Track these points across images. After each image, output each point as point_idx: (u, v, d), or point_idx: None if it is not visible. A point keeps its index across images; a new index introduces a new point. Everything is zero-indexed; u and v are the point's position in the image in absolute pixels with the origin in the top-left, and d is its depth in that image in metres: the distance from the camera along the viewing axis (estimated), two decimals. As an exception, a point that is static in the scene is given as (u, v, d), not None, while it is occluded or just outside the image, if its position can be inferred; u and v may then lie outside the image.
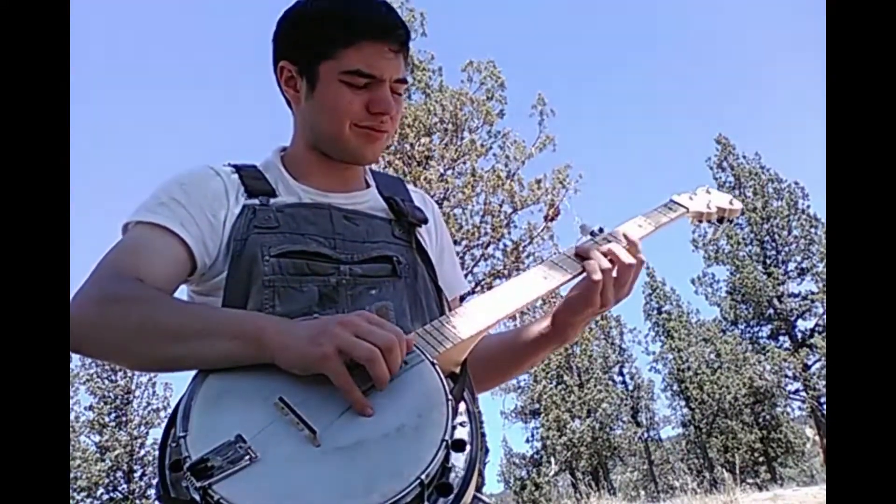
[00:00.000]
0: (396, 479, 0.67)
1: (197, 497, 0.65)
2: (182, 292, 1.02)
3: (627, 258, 1.04)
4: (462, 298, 1.25)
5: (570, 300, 1.08)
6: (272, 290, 0.94)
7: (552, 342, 1.12)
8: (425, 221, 1.15)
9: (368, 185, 1.17)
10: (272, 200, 1.03)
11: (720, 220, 1.30)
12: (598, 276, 1.02)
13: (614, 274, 1.04)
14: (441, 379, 0.79)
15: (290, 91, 1.09)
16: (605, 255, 1.04)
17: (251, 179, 1.06)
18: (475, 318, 0.94)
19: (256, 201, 1.02)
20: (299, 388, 0.77)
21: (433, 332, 0.91)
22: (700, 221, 1.29)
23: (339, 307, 0.95)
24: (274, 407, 0.75)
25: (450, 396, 0.77)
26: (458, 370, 0.91)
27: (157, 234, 0.96)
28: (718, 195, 1.31)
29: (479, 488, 0.88)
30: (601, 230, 1.12)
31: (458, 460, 0.72)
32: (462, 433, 0.75)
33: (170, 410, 0.78)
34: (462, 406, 0.78)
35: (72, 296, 0.86)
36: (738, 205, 1.31)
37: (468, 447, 0.74)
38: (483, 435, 0.78)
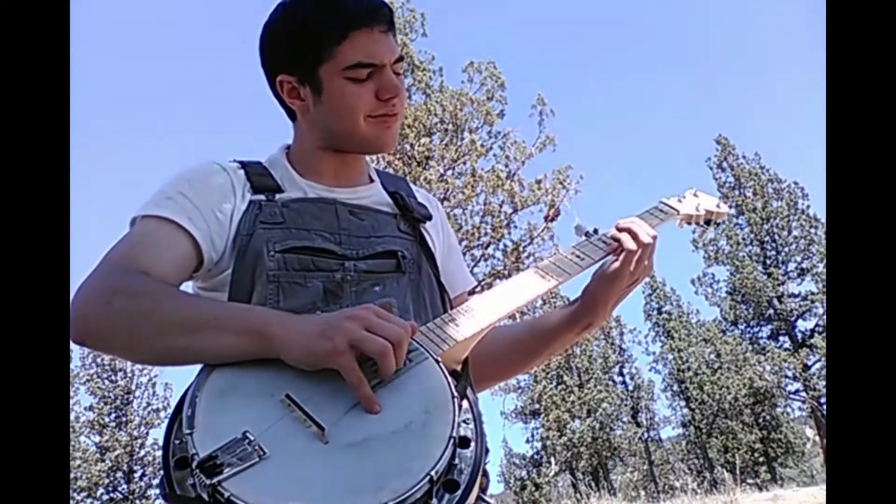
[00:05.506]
0: (406, 476, 0.67)
1: (205, 495, 0.65)
2: (188, 288, 1.02)
3: (647, 237, 1.09)
4: (471, 293, 1.24)
5: (603, 273, 1.10)
6: (276, 285, 0.93)
7: (580, 321, 1.12)
8: (429, 217, 1.15)
9: (372, 181, 1.17)
10: (278, 196, 1.03)
11: (707, 223, 1.33)
12: (633, 245, 1.07)
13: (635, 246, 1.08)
14: (446, 376, 0.80)
15: (296, 102, 1.06)
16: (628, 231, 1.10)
17: (257, 175, 1.05)
18: (477, 317, 0.95)
19: (262, 197, 1.01)
20: (305, 383, 0.76)
21: (436, 329, 0.91)
22: (688, 223, 1.32)
23: (343, 303, 0.95)
24: (280, 403, 0.74)
25: (455, 394, 0.77)
26: (459, 368, 0.90)
27: (164, 228, 0.95)
28: (706, 198, 1.34)
29: (483, 489, 0.88)
30: (595, 231, 1.14)
31: (464, 457, 0.73)
32: (467, 430, 0.75)
33: (170, 410, 0.78)
34: (465, 403, 0.78)
35: (75, 289, 0.86)
36: (724, 208, 1.33)
37: (472, 444, 0.74)
38: (484, 434, 0.79)
